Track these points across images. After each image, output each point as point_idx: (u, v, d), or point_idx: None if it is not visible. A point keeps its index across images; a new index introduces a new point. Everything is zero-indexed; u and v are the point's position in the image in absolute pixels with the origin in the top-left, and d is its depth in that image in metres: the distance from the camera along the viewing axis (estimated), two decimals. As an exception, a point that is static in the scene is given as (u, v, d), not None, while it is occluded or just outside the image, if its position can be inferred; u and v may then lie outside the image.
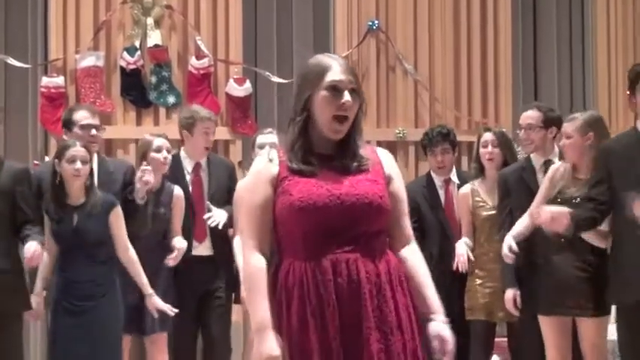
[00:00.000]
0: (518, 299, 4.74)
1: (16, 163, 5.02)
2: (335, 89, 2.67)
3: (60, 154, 4.65)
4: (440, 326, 2.69)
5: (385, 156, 2.83)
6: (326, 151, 2.73)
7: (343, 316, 2.61)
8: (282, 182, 2.68)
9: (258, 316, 2.64)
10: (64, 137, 5.07)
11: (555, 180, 4.60)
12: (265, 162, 2.73)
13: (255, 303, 2.67)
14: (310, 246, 2.64)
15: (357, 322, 2.61)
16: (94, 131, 4.94)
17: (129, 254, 4.70)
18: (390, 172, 2.79)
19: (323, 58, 2.76)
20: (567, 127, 4.59)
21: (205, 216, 5.18)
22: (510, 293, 4.76)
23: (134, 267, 4.73)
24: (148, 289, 4.77)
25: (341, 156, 2.72)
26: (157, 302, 4.79)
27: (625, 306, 4.19)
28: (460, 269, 5.07)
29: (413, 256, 2.80)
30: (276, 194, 2.69)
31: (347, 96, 2.66)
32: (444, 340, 2.66)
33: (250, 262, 2.71)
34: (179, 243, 5.08)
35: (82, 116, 4.98)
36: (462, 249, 5.09)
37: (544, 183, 4.65)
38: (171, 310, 4.79)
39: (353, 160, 2.71)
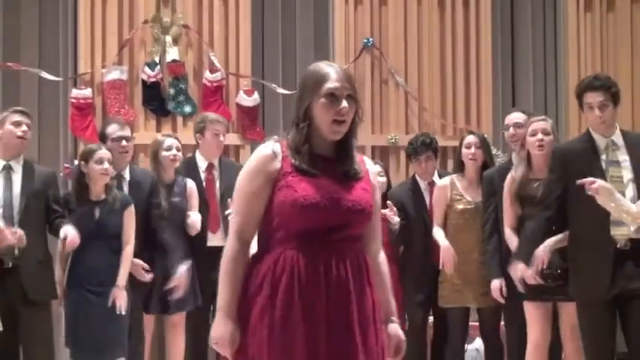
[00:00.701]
0: (504, 288, 4.88)
1: (44, 167, 5.22)
2: (333, 96, 2.68)
3: (87, 157, 4.88)
4: (397, 328, 2.83)
5: (371, 167, 2.88)
6: (326, 152, 2.75)
7: (330, 308, 2.65)
8: (285, 177, 2.69)
9: (220, 299, 2.69)
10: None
11: (514, 189, 4.75)
12: (269, 154, 2.72)
13: (223, 288, 2.70)
14: (305, 240, 2.67)
15: (344, 315, 2.66)
16: (124, 142, 5.22)
17: (127, 248, 4.87)
18: (374, 182, 2.84)
19: (321, 67, 2.75)
20: (545, 125, 4.73)
21: (227, 212, 5.25)
22: (497, 283, 4.91)
23: (126, 260, 4.86)
24: (121, 282, 4.82)
25: (341, 160, 2.75)
26: (119, 295, 4.80)
27: (585, 303, 4.30)
28: (447, 270, 5.19)
29: (384, 266, 2.86)
30: (276, 187, 2.70)
31: (344, 103, 2.69)
32: (400, 340, 2.82)
33: (230, 247, 2.73)
34: (193, 215, 5.34)
35: (112, 130, 5.25)
36: (445, 240, 5.19)
37: (506, 199, 4.80)
38: (123, 310, 4.80)
39: (351, 165, 2.75)
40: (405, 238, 5.51)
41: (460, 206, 5.27)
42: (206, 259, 5.30)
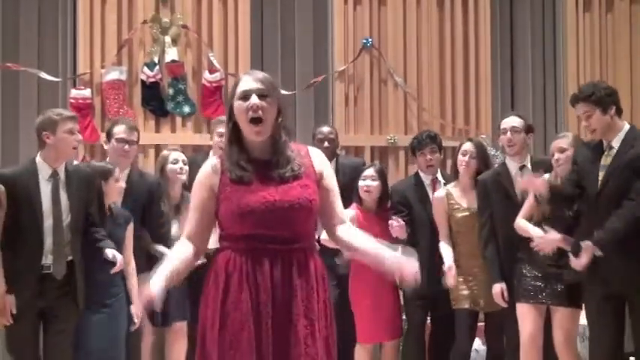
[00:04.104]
0: (505, 293, 4.95)
1: (82, 168, 4.89)
2: (245, 97, 2.87)
3: (107, 176, 4.80)
4: (394, 256, 2.85)
5: (317, 156, 3.02)
6: (262, 156, 2.91)
7: (276, 303, 2.84)
8: (225, 189, 2.88)
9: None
10: (104, 145, 5.35)
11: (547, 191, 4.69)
12: (209, 170, 2.94)
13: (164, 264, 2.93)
14: (250, 244, 2.86)
15: (288, 309, 2.85)
16: (126, 146, 5.13)
17: (131, 266, 4.87)
18: (320, 169, 2.98)
19: (240, 76, 3.00)
20: (561, 142, 4.78)
21: None
22: (498, 287, 4.97)
23: (133, 279, 4.87)
24: (135, 301, 4.82)
25: (276, 162, 2.89)
26: (139, 314, 4.85)
27: (594, 296, 4.41)
28: (449, 284, 5.13)
29: (349, 230, 3.00)
30: (218, 200, 2.90)
31: (254, 99, 2.85)
32: (402, 265, 2.84)
33: (177, 245, 2.98)
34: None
35: (118, 130, 5.17)
36: (449, 260, 5.17)
37: (528, 199, 4.77)
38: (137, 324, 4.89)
39: (287, 166, 2.89)
40: (410, 234, 5.48)
41: (459, 214, 5.28)
42: (207, 262, 5.32)
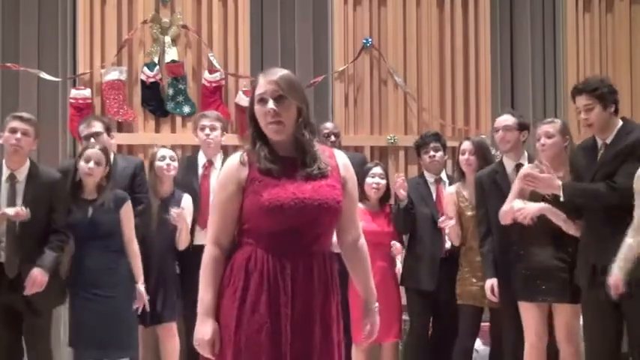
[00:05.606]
0: (496, 288, 4.97)
1: (52, 171, 5.01)
2: (262, 100, 2.85)
3: (80, 154, 4.99)
4: (374, 313, 3.02)
5: (342, 160, 2.98)
6: (289, 154, 2.89)
7: (295, 306, 2.82)
8: (253, 183, 2.84)
9: (204, 303, 2.87)
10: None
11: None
12: (237, 163, 2.88)
13: (203, 291, 2.87)
14: (275, 241, 2.82)
15: (307, 313, 2.84)
16: (92, 140, 5.26)
17: (132, 246, 4.94)
18: (345, 174, 2.95)
19: (258, 76, 2.94)
20: (548, 127, 4.78)
21: None
22: (489, 283, 5.01)
23: (135, 258, 4.96)
24: (139, 279, 4.96)
25: (302, 160, 2.87)
26: (142, 293, 4.97)
27: (593, 298, 4.36)
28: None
29: (362, 252, 3.02)
30: (245, 193, 2.85)
31: (271, 104, 2.82)
32: (374, 324, 3.02)
33: (207, 252, 2.90)
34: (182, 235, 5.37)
35: (82, 128, 5.38)
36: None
37: (515, 184, 4.78)
38: (147, 307, 5.01)
39: (314, 164, 2.87)
40: (410, 226, 5.57)
41: (469, 212, 5.32)
42: (194, 258, 5.34)
